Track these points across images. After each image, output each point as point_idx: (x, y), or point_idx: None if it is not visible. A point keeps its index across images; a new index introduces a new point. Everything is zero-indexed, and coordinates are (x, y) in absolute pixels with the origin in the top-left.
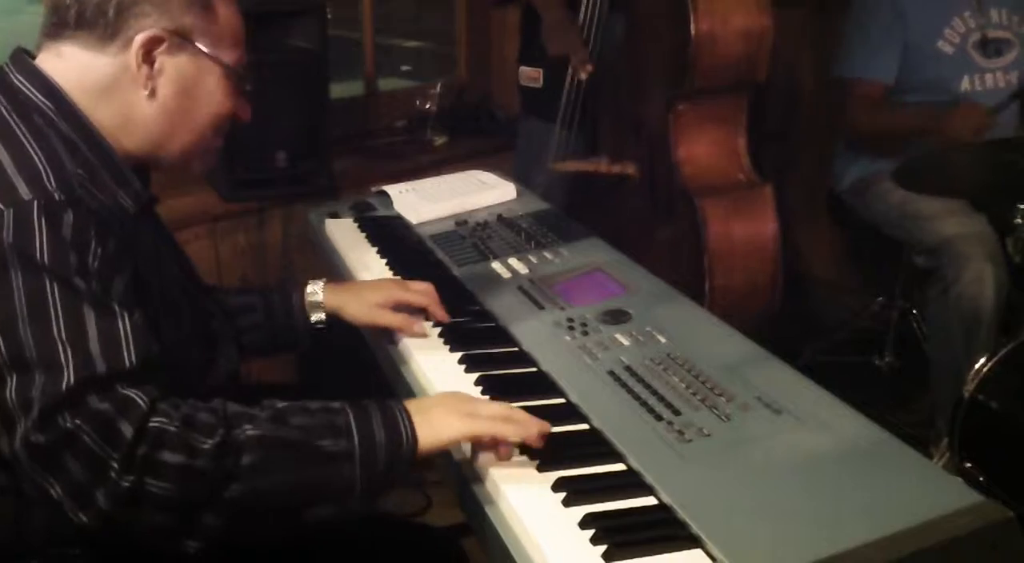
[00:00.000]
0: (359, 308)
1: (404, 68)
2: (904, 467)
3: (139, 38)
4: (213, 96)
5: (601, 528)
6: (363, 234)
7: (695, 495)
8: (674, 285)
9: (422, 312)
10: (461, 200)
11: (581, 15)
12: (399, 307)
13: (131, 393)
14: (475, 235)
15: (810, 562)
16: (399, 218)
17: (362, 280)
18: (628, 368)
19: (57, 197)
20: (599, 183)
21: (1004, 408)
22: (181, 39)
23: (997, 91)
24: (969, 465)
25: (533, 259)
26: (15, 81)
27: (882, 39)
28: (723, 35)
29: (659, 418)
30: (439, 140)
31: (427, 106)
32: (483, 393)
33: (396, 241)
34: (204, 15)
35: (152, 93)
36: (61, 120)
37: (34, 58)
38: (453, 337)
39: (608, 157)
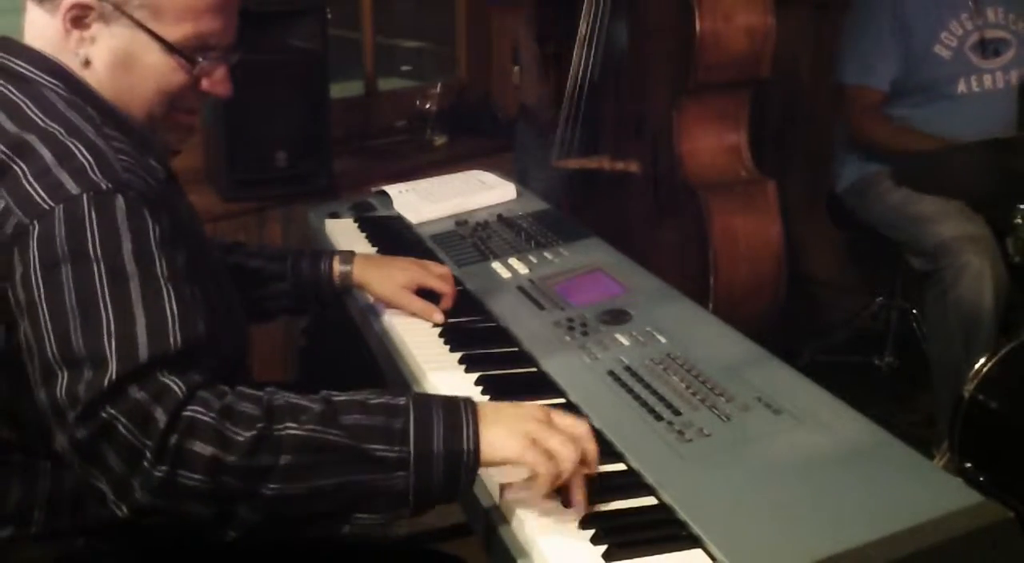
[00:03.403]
0: (385, 286)
1: (404, 68)
2: (904, 467)
3: (65, 3)
4: (154, 71)
5: (601, 528)
6: (363, 234)
7: (695, 495)
8: (678, 282)
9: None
10: (461, 200)
11: (583, 12)
12: (420, 290)
13: (170, 380)
14: (475, 235)
15: (810, 562)
16: (399, 218)
17: (388, 257)
18: (628, 368)
19: (104, 186)
20: (600, 181)
21: (1004, 408)
22: (114, 8)
23: (995, 91)
24: (969, 465)
25: (533, 259)
26: (17, 67)
27: (881, 47)
28: (727, 32)
29: (659, 418)
30: (439, 140)
31: (427, 106)
32: (483, 393)
33: (396, 241)
34: None
35: (86, 62)
36: (74, 96)
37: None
38: (453, 337)
39: (610, 154)
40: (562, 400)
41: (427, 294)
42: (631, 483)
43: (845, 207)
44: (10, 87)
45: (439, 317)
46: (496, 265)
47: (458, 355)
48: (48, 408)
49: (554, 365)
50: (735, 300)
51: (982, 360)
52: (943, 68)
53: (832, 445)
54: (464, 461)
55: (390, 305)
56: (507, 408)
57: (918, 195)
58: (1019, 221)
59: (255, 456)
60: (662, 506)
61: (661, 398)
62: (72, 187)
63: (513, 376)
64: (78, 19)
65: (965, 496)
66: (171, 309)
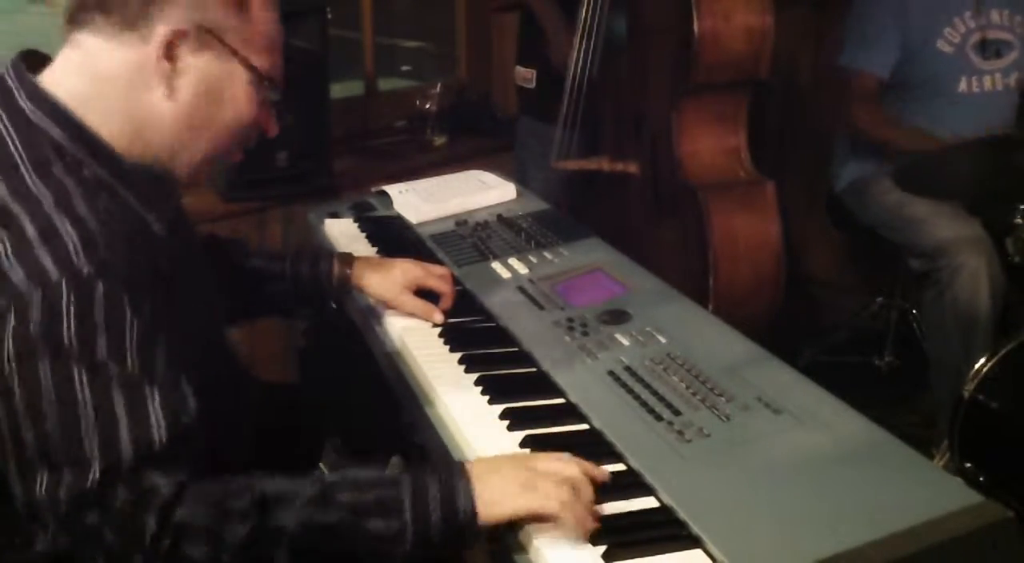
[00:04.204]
0: (384, 287)
1: (404, 68)
2: (904, 467)
3: (163, 30)
4: (237, 101)
5: (601, 528)
6: (363, 234)
7: (695, 495)
8: (678, 283)
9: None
10: (461, 200)
11: (582, 14)
12: (419, 290)
13: (157, 479)
14: (475, 235)
15: (810, 562)
16: (399, 218)
17: (387, 259)
18: (628, 368)
19: (86, 272)
20: (600, 181)
21: (1004, 408)
22: (209, 36)
23: (995, 93)
24: (969, 465)
25: (533, 259)
26: (23, 105)
27: (880, 33)
28: (726, 32)
29: (659, 418)
30: (439, 140)
31: (427, 106)
32: (483, 393)
33: (396, 241)
34: (238, 13)
35: (171, 93)
36: (77, 147)
37: (41, 62)
38: (453, 337)
39: (609, 155)
40: (562, 400)
41: (427, 295)
42: (631, 483)
43: (844, 207)
44: (11, 130)
45: (439, 317)
46: (496, 265)
47: (458, 355)
48: (26, 505)
49: (554, 365)
50: (735, 300)
51: (982, 360)
52: (945, 64)
53: (832, 445)
54: (462, 524)
55: (390, 306)
56: (495, 462)
57: (915, 196)
58: (1019, 221)
59: (251, 550)
60: (662, 506)
61: (661, 398)
62: (52, 271)
63: (513, 376)
64: (171, 49)
65: (965, 496)
66: (154, 405)
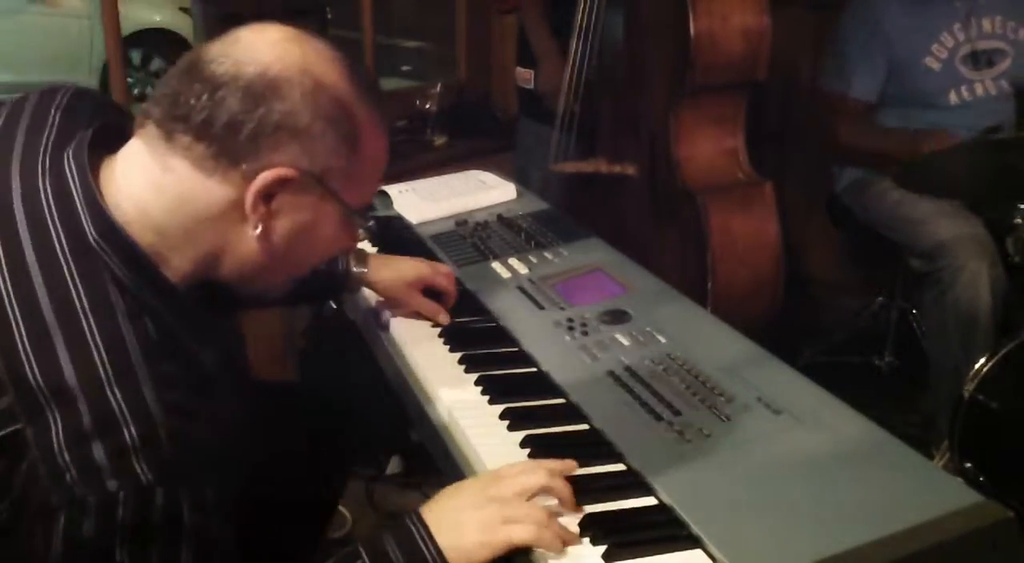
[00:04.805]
0: (395, 284)
1: (404, 68)
2: (904, 467)
3: (267, 175)
4: (326, 239)
5: (601, 528)
6: (363, 234)
7: (695, 495)
8: (677, 284)
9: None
10: (461, 200)
11: (579, 16)
12: (425, 289)
13: None
14: (475, 235)
15: (810, 562)
16: (399, 218)
17: (396, 256)
18: (628, 368)
19: (145, 480)
20: (599, 183)
21: (1004, 408)
22: (313, 181)
23: (988, 99)
24: (969, 465)
25: (533, 259)
26: (88, 235)
27: (861, 57)
28: (723, 34)
29: (659, 418)
30: (439, 140)
31: (427, 106)
32: (483, 393)
33: (396, 241)
34: (350, 156)
35: (262, 233)
36: (140, 289)
37: (115, 135)
38: (453, 337)
39: (607, 157)
40: (562, 400)
41: (429, 294)
42: (631, 483)
43: (844, 207)
44: (70, 262)
45: (445, 319)
46: (496, 265)
47: (458, 355)
48: None
49: (554, 365)
50: (734, 301)
51: (982, 360)
52: (933, 80)
53: (832, 445)
54: None
55: (397, 303)
56: (450, 502)
57: (915, 196)
58: (1019, 221)
59: None
60: (662, 506)
61: (661, 398)
62: (109, 479)
63: (513, 376)
64: (271, 192)
65: (965, 496)
66: None
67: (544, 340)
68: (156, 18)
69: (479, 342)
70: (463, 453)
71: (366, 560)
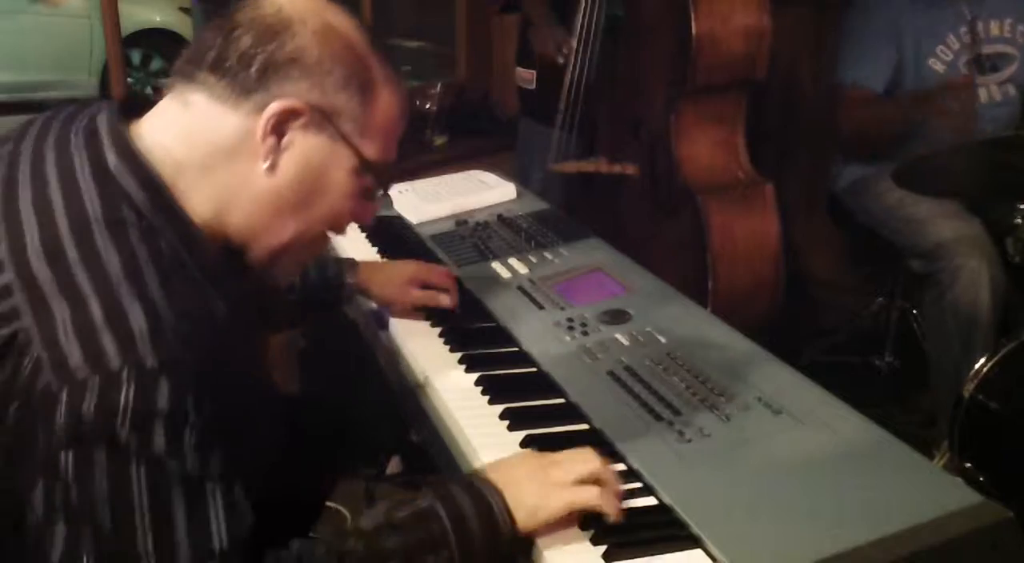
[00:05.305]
0: (388, 287)
1: (404, 68)
2: (904, 467)
3: (274, 106)
4: (335, 189)
5: (601, 528)
6: (363, 234)
7: (695, 495)
8: (677, 284)
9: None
10: (461, 200)
11: (579, 16)
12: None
13: None
14: (475, 235)
15: (810, 562)
16: (399, 218)
17: (387, 262)
18: (628, 368)
19: (150, 364)
20: (599, 183)
21: (1004, 408)
22: (323, 119)
23: (992, 104)
24: (969, 465)
25: (533, 259)
26: (110, 164)
27: (874, 48)
28: (723, 34)
29: (659, 418)
30: (439, 140)
31: (427, 106)
32: (483, 393)
33: (396, 241)
34: (361, 97)
35: (272, 167)
36: (156, 214)
37: (140, 107)
38: (453, 337)
39: (607, 157)
40: (562, 400)
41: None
42: (631, 483)
43: (844, 207)
44: (90, 182)
45: (446, 300)
46: (496, 265)
47: (458, 355)
48: None
49: (554, 365)
50: (734, 302)
51: (982, 360)
52: (935, 82)
53: (832, 445)
54: (503, 536)
55: (395, 305)
56: (513, 466)
57: (915, 196)
58: (1019, 221)
59: None
60: (662, 506)
61: (661, 398)
62: (114, 359)
63: (513, 376)
64: (280, 124)
65: (965, 496)
66: (215, 511)
67: (544, 340)
68: (156, 18)
69: (479, 342)
70: (463, 453)
71: (444, 519)
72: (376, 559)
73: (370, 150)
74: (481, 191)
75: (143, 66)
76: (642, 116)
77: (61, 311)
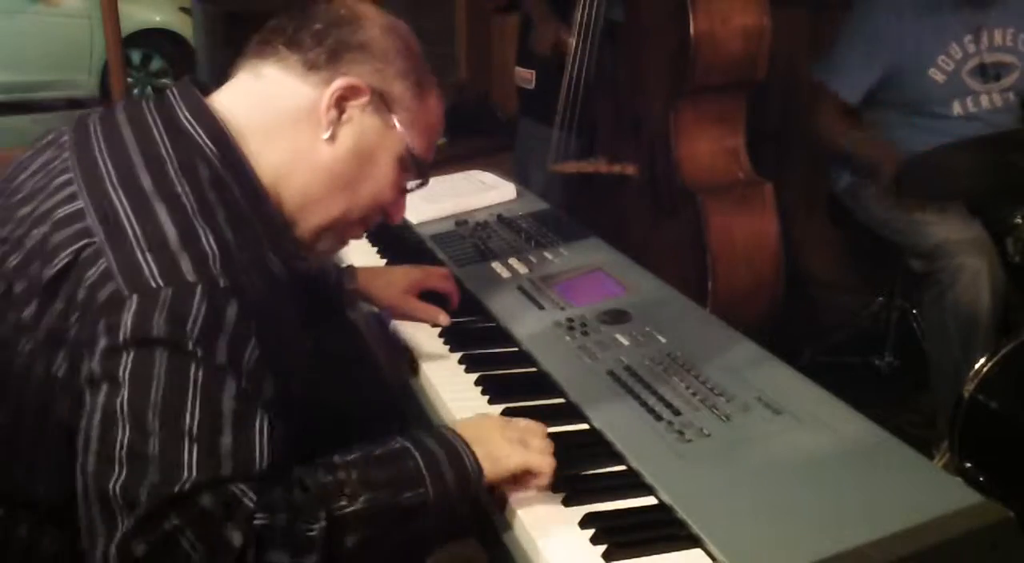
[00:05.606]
0: (388, 294)
1: None
2: (904, 467)
3: (340, 81)
4: (383, 173)
5: (601, 528)
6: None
7: (695, 495)
8: (676, 284)
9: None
10: (461, 200)
11: (578, 16)
12: (422, 293)
13: (247, 497)
14: (475, 235)
15: (810, 562)
16: None
17: (387, 267)
18: (628, 368)
19: (223, 284)
20: (599, 183)
21: (1004, 408)
22: (381, 102)
23: (993, 111)
24: (969, 465)
25: (533, 259)
26: (182, 120)
27: (854, 58)
28: (723, 34)
29: (659, 418)
30: (439, 140)
31: None
32: (483, 393)
33: (396, 241)
34: (415, 92)
35: (331, 138)
36: (226, 170)
37: (204, 90)
38: (453, 337)
39: (606, 157)
40: (562, 400)
41: (431, 297)
42: (631, 483)
43: (844, 207)
44: (164, 137)
45: (444, 319)
46: (496, 265)
47: (458, 355)
48: (93, 502)
49: (554, 365)
50: (733, 302)
51: (982, 360)
52: (936, 90)
53: (832, 445)
54: (472, 482)
55: (396, 312)
56: (478, 423)
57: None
58: (1019, 221)
59: (326, 549)
60: (662, 506)
61: (661, 398)
62: (189, 273)
63: (513, 376)
64: (344, 99)
65: (965, 496)
66: (261, 429)
67: (544, 340)
68: (156, 18)
69: (479, 342)
70: None
71: (418, 458)
72: (372, 490)
73: (416, 143)
74: (481, 191)
75: (143, 66)
76: (642, 116)
77: (134, 230)
